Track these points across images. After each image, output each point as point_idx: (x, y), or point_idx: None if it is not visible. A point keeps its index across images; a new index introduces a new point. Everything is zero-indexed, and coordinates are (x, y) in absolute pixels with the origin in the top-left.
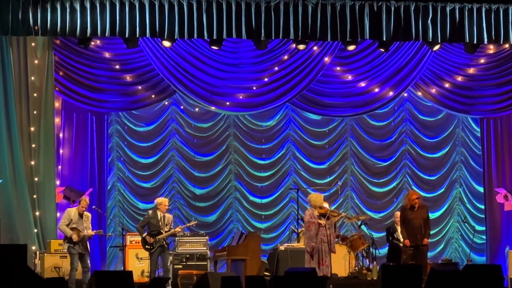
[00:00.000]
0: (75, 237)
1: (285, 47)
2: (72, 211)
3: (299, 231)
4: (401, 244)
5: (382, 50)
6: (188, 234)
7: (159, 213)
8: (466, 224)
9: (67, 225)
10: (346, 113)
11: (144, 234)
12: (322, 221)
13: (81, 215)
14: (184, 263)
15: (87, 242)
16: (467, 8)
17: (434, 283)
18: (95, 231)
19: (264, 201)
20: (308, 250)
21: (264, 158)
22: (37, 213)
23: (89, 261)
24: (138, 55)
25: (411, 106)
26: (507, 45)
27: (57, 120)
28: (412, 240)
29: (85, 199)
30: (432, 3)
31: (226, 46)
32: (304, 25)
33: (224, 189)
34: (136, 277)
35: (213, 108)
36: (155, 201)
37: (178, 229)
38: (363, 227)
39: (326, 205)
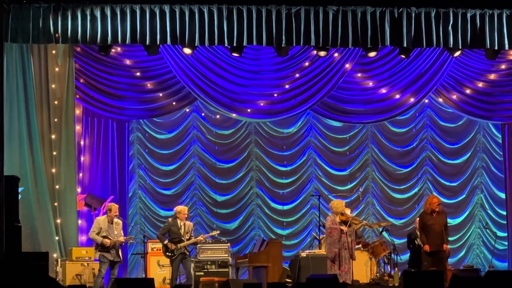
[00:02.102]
0: (106, 241)
1: (306, 54)
2: (101, 219)
3: (320, 237)
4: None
5: (403, 56)
6: (210, 241)
7: (179, 221)
8: (487, 230)
9: (97, 234)
10: (367, 119)
11: (166, 241)
12: (344, 228)
13: (111, 223)
14: (206, 270)
15: (119, 250)
16: (488, 14)
17: None
18: (125, 237)
19: (286, 207)
20: (329, 256)
21: (286, 164)
22: (58, 221)
23: (117, 271)
24: (159, 62)
25: (432, 113)
26: None
27: (78, 127)
28: (432, 245)
29: (115, 206)
30: (453, 9)
31: (247, 53)
32: (325, 32)
33: (245, 196)
34: (158, 284)
35: (234, 115)
36: (174, 209)
37: (200, 237)
38: (384, 233)
39: (348, 211)
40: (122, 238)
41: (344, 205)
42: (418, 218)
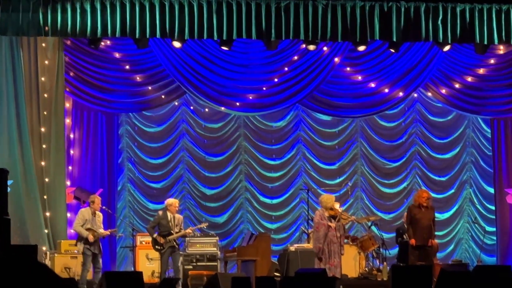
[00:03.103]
0: (91, 238)
1: (295, 48)
2: (85, 211)
3: (309, 231)
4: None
5: (392, 50)
6: (199, 235)
7: (169, 214)
8: (476, 225)
9: (82, 226)
10: (356, 113)
11: (155, 235)
12: (332, 224)
13: (94, 215)
14: (194, 264)
15: (100, 242)
16: (477, 8)
17: (444, 283)
18: (109, 230)
19: (275, 201)
20: (315, 251)
21: (275, 158)
22: (48, 214)
23: (101, 262)
24: (148, 55)
25: (421, 107)
26: None
27: (68, 120)
28: (418, 240)
29: (98, 198)
30: (442, 3)
31: (236, 47)
32: (314, 26)
33: (234, 190)
34: (146, 278)
35: (223, 108)
36: (165, 202)
37: (189, 230)
38: (373, 228)
39: (337, 205)
40: (102, 231)
41: (333, 200)
42: (406, 213)
